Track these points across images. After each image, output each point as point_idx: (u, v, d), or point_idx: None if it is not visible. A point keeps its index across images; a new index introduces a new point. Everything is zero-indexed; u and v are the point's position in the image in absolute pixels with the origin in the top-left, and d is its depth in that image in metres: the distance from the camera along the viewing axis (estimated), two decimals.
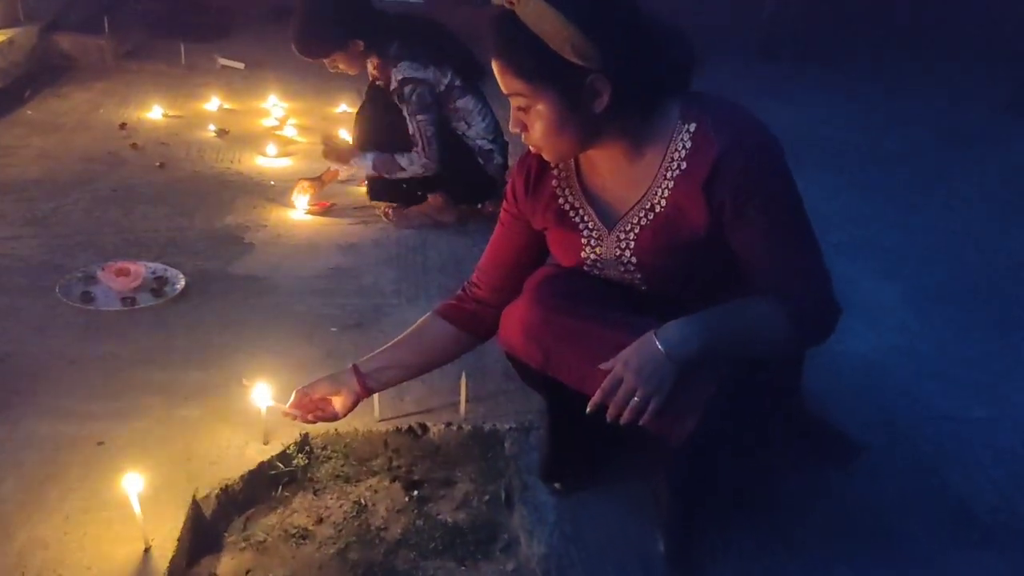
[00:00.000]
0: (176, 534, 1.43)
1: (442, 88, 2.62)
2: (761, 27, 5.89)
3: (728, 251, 1.34)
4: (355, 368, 1.60)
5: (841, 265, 2.73)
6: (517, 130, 1.34)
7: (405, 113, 2.61)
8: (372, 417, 1.79)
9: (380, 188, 2.87)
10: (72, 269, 2.32)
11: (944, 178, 3.70)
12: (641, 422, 1.29)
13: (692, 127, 1.29)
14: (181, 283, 2.27)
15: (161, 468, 1.57)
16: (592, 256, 1.43)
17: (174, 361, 1.96)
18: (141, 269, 2.28)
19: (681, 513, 1.48)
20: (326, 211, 2.88)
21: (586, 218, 1.43)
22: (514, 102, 1.30)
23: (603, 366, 1.31)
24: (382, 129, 2.74)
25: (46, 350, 1.97)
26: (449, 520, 1.61)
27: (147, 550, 1.39)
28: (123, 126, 3.64)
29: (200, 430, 1.72)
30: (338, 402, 1.60)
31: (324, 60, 2.58)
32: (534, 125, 1.29)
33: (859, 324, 2.30)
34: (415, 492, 1.68)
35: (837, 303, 1.36)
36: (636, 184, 1.36)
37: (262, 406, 1.68)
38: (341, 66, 2.59)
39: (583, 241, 1.43)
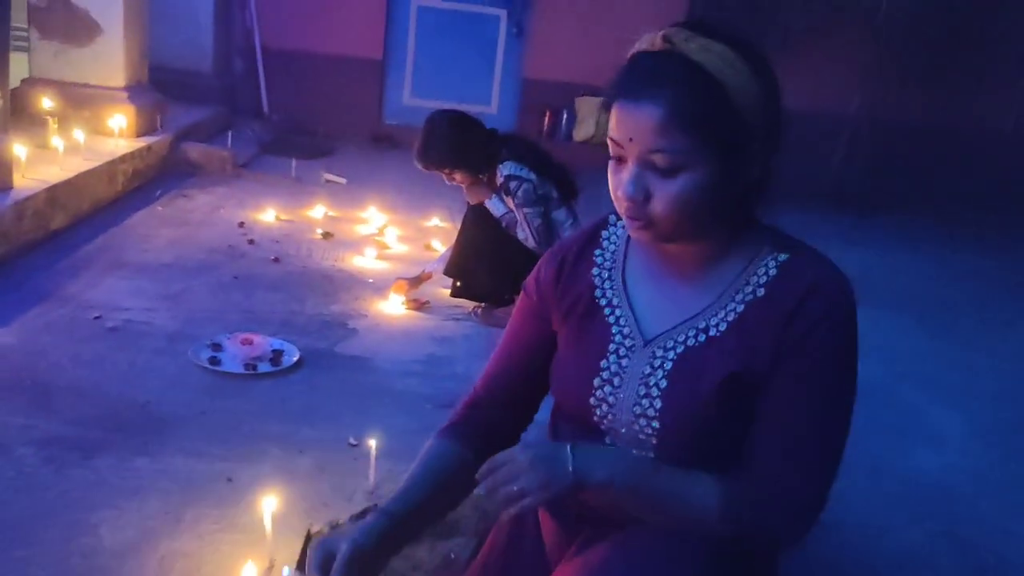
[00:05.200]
0: (296, 557, 1.60)
1: (541, 193, 2.90)
2: (830, 175, 6.15)
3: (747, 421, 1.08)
4: (384, 513, 1.19)
5: (907, 394, 2.85)
6: (635, 198, 1.03)
7: (511, 206, 2.89)
8: None
9: (462, 289, 3.11)
10: (201, 337, 2.60)
11: (1014, 327, 3.81)
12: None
13: (783, 257, 1.09)
14: (296, 356, 2.53)
15: (281, 505, 1.75)
16: (614, 367, 1.14)
17: (290, 419, 2.19)
18: (263, 341, 2.55)
19: None
20: (421, 307, 3.15)
21: (623, 320, 1.16)
22: (651, 160, 1.01)
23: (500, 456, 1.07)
24: (485, 249, 2.99)
25: (179, 401, 2.22)
26: None
27: (271, 567, 1.57)
28: (241, 224, 4.03)
29: (313, 477, 1.92)
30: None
31: (443, 172, 2.90)
32: (665, 192, 1.01)
33: (925, 448, 2.42)
34: None
35: (812, 516, 1.06)
36: (693, 298, 1.12)
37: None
38: (457, 178, 2.91)
39: (611, 347, 1.15)
